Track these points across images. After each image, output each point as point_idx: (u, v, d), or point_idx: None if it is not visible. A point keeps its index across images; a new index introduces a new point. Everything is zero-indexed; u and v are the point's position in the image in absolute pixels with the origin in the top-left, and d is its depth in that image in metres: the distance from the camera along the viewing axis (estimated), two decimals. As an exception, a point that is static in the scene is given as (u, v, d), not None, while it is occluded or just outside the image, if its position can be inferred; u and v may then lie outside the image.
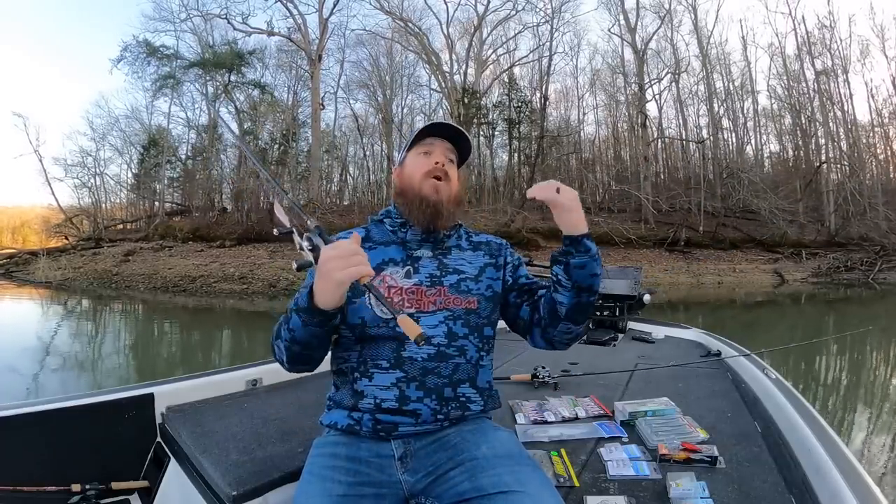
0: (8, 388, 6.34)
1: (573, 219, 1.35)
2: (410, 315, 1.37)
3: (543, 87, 32.12)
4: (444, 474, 1.31)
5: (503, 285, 1.58)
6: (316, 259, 1.22)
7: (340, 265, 1.14)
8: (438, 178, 1.52)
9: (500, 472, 1.25)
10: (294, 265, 1.30)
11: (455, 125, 1.57)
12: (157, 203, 33.43)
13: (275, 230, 1.37)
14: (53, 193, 33.87)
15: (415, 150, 1.57)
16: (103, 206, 35.38)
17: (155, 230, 28.79)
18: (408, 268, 1.47)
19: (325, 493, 1.24)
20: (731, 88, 34.46)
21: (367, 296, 1.42)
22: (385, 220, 1.59)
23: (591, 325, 3.94)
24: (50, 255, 26.63)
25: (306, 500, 1.24)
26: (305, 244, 1.28)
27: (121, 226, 33.76)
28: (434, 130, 1.56)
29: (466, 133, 1.59)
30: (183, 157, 34.05)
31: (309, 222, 1.31)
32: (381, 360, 1.40)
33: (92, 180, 34.40)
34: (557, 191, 1.33)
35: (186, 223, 29.13)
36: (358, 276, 1.14)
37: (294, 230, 1.34)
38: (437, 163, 1.52)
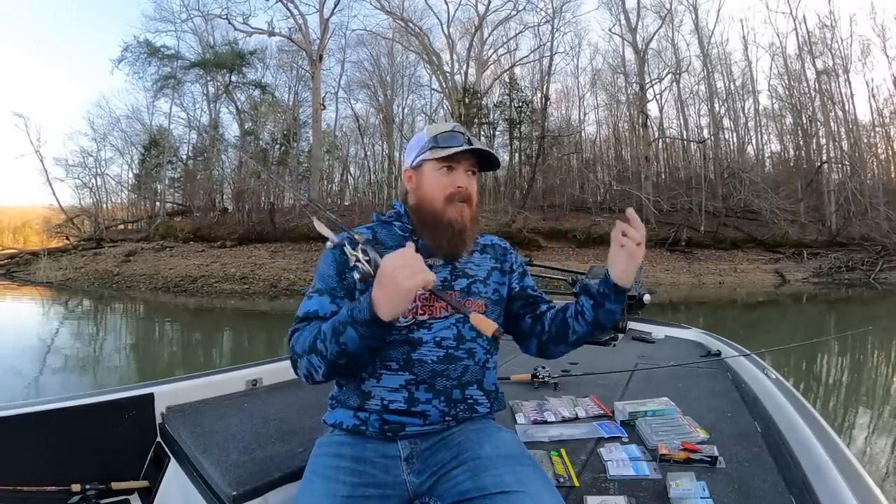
0: (10, 388, 6.36)
1: (631, 272, 1.38)
2: (423, 322, 1.38)
3: (544, 86, 32.12)
4: (447, 473, 1.31)
5: (509, 291, 1.58)
6: (374, 270, 1.22)
7: (406, 273, 1.14)
8: (462, 201, 1.47)
9: (501, 471, 1.26)
10: (356, 276, 1.29)
11: (487, 149, 1.50)
12: (158, 203, 33.46)
13: (328, 242, 1.38)
14: (54, 194, 33.98)
15: (436, 162, 1.48)
16: (104, 206, 35.46)
17: (156, 230, 28.84)
18: None
19: (330, 494, 1.24)
20: (732, 88, 34.40)
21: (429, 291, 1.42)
22: (395, 222, 1.55)
23: None
24: (51, 256, 26.70)
25: (310, 501, 1.24)
26: (361, 255, 1.28)
27: (122, 226, 33.81)
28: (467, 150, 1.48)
29: (496, 154, 1.53)
30: (184, 157, 34.14)
31: (357, 236, 1.31)
32: (391, 361, 1.39)
33: (93, 180, 34.52)
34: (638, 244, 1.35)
35: (187, 223, 29.19)
36: (424, 283, 1.15)
37: (346, 242, 1.33)
38: (460, 186, 1.46)
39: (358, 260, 1.27)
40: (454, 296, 1.44)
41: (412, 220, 1.52)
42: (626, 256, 1.35)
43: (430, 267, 1.43)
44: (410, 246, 1.21)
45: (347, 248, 1.30)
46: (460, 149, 1.45)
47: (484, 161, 1.53)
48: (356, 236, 1.31)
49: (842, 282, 23.83)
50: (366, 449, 1.37)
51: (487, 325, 1.17)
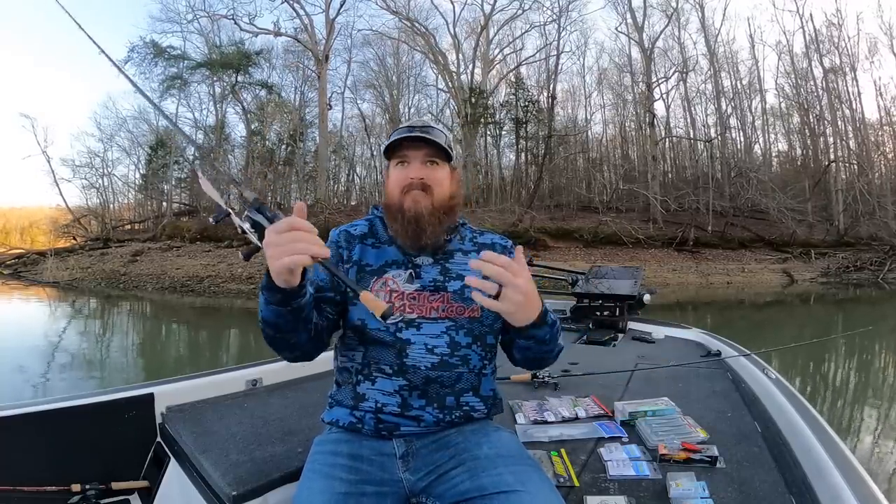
0: (15, 388, 6.38)
1: (516, 319, 1.20)
2: (412, 321, 1.36)
3: (551, 86, 32.14)
4: (446, 473, 1.31)
5: None
6: (262, 239, 1.10)
7: (277, 252, 1.05)
8: (417, 189, 1.43)
9: (501, 471, 1.25)
10: (240, 254, 1.20)
11: (424, 136, 1.42)
12: (164, 203, 33.63)
13: (210, 217, 1.21)
14: (61, 194, 34.00)
15: (393, 159, 1.48)
16: (111, 206, 35.62)
17: (163, 230, 28.93)
18: (410, 271, 1.44)
19: (328, 491, 1.23)
20: (739, 87, 34.31)
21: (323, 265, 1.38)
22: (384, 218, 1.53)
23: (591, 326, 3.94)
24: (58, 256, 26.78)
25: (308, 497, 1.23)
26: (246, 225, 1.14)
27: (129, 226, 33.91)
28: (407, 137, 1.43)
29: (439, 141, 1.43)
30: (190, 157, 34.21)
31: (245, 193, 1.18)
32: (384, 364, 1.38)
33: (100, 181, 34.69)
34: (497, 295, 1.13)
35: (194, 223, 29.22)
36: (297, 264, 1.04)
37: (231, 211, 1.18)
38: (412, 178, 1.43)
39: (244, 231, 1.15)
40: (447, 297, 1.42)
41: (386, 222, 1.50)
42: (496, 307, 1.15)
43: (419, 266, 1.43)
44: (299, 207, 1.10)
45: (234, 218, 1.19)
46: (396, 137, 1.43)
47: (443, 149, 1.46)
48: (245, 194, 1.18)
49: (850, 282, 23.77)
50: (362, 446, 1.37)
51: (376, 306, 1.07)
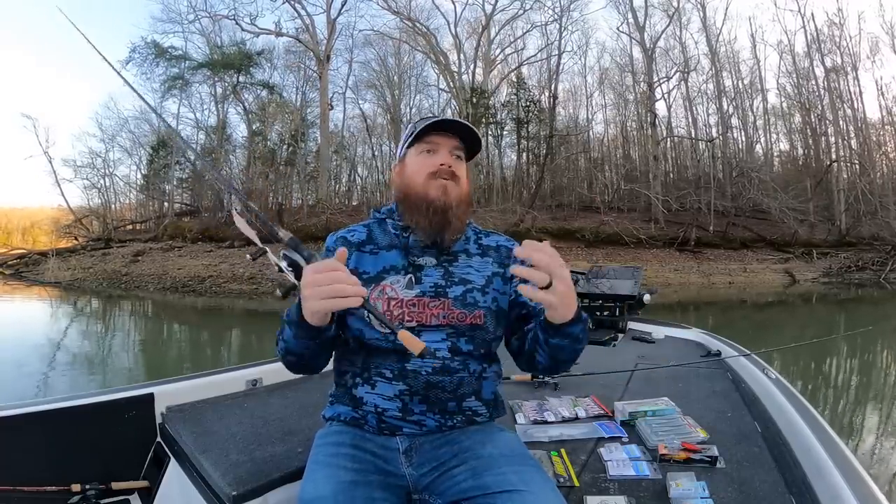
0: (17, 387, 6.39)
1: (559, 314, 1.15)
2: (412, 329, 1.31)
3: (552, 86, 32.14)
4: (448, 471, 1.30)
5: (507, 298, 1.48)
6: (298, 277, 1.15)
7: (317, 293, 1.07)
8: (446, 179, 1.41)
9: (504, 471, 1.24)
10: (278, 292, 1.24)
11: (462, 121, 1.43)
12: (166, 203, 33.63)
13: (248, 255, 1.26)
14: (63, 194, 34.09)
15: (416, 147, 1.44)
16: (113, 206, 35.57)
17: (164, 230, 28.91)
18: (410, 276, 1.40)
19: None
20: (741, 87, 34.28)
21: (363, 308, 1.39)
22: (388, 219, 1.50)
23: (591, 326, 3.90)
24: (60, 256, 26.77)
25: (314, 489, 1.22)
26: (283, 263, 1.20)
27: (130, 226, 33.86)
28: (437, 127, 1.42)
29: (474, 128, 1.45)
30: (192, 157, 34.18)
31: (280, 233, 1.21)
32: (385, 369, 1.36)
33: (101, 181, 34.63)
34: (549, 284, 1.08)
35: (195, 223, 29.22)
36: (337, 307, 1.08)
37: (267, 249, 1.24)
38: (442, 164, 1.40)
39: (280, 269, 1.21)
40: (447, 303, 1.39)
41: (401, 212, 1.47)
42: (549, 308, 1.15)
43: (421, 267, 1.41)
44: (341, 254, 1.12)
45: (270, 256, 1.25)
46: (433, 119, 1.42)
47: (469, 145, 1.47)
48: (281, 233, 1.21)
49: (851, 282, 23.75)
50: (365, 439, 1.37)
51: (415, 345, 1.08)
